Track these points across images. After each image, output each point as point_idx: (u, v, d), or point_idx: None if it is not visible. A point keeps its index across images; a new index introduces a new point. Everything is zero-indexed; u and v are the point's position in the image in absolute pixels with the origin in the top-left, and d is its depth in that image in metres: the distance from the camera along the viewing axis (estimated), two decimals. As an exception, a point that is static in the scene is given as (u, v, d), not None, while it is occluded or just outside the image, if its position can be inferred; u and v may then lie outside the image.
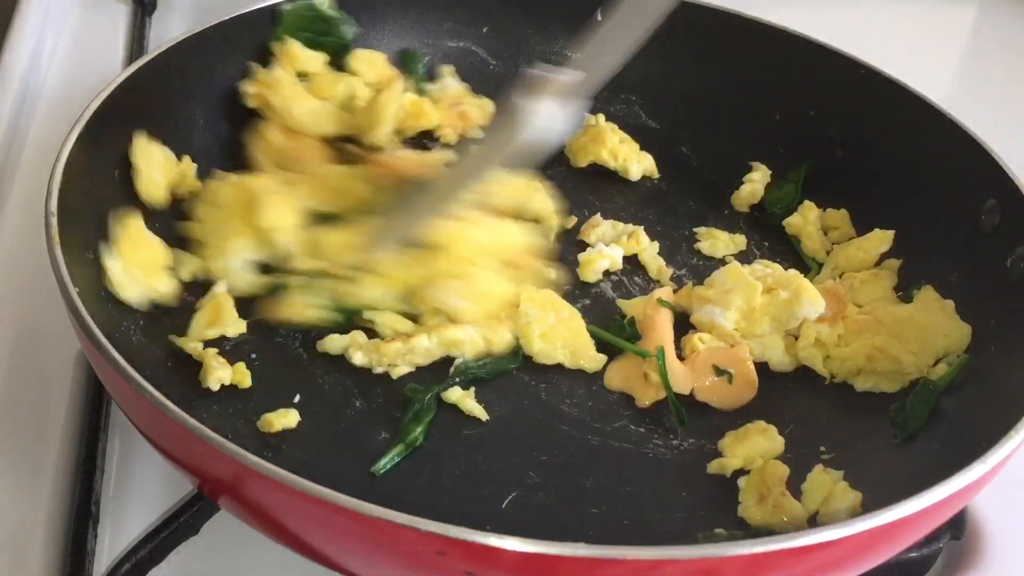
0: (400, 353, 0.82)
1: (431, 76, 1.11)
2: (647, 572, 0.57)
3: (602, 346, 0.87)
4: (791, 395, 0.85)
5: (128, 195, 0.88)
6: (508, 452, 0.78)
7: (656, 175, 1.07)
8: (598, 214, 1.01)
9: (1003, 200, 0.87)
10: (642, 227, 0.99)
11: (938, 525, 0.70)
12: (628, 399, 0.83)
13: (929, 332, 0.84)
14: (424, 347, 0.82)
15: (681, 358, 0.85)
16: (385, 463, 0.75)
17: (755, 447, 0.78)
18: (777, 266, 0.92)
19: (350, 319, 0.85)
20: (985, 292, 0.86)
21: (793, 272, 0.91)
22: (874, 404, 0.83)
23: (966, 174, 0.92)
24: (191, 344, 0.80)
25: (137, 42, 1.28)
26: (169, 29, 1.32)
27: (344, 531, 0.59)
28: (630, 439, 0.80)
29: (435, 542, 0.56)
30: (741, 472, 0.77)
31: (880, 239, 0.95)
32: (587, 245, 0.97)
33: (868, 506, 0.69)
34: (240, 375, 0.79)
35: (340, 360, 0.83)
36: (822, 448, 0.80)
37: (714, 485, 0.77)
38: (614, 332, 0.88)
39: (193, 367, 0.80)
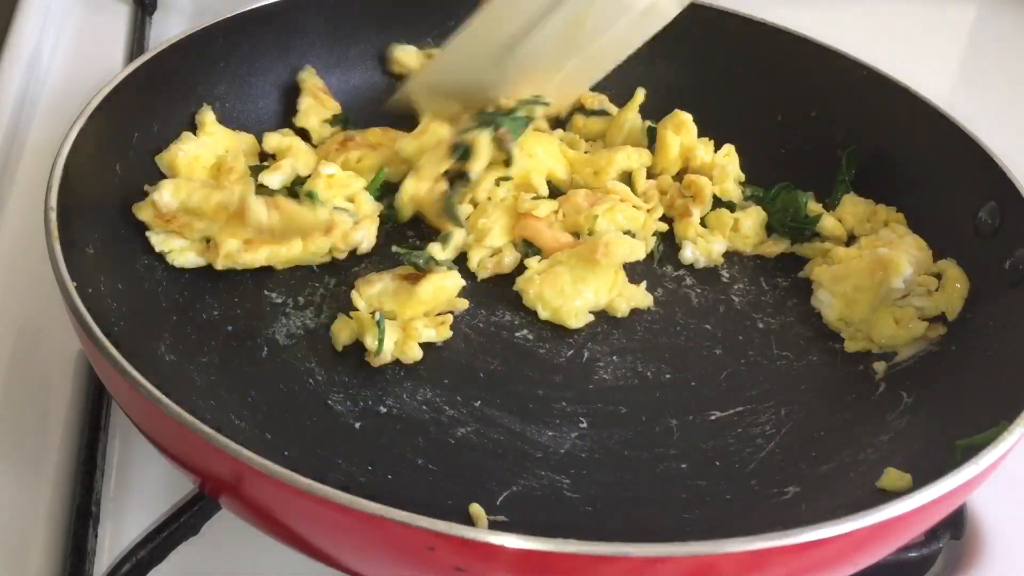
0: None
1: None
2: (642, 569, 0.57)
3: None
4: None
5: (129, 192, 0.88)
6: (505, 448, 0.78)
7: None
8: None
9: (1002, 202, 0.87)
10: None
11: (934, 523, 0.71)
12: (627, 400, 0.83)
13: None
14: None
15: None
16: None
17: None
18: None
19: None
20: (983, 294, 0.86)
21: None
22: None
23: (966, 175, 0.92)
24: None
25: (137, 42, 1.29)
26: (169, 29, 1.33)
27: (338, 526, 0.60)
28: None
29: (426, 538, 0.56)
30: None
31: None
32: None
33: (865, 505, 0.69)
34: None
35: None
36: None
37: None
38: None
39: (192, 365, 0.80)
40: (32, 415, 0.82)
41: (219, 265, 0.87)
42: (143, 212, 0.87)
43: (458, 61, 0.97)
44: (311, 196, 0.92)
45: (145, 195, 0.88)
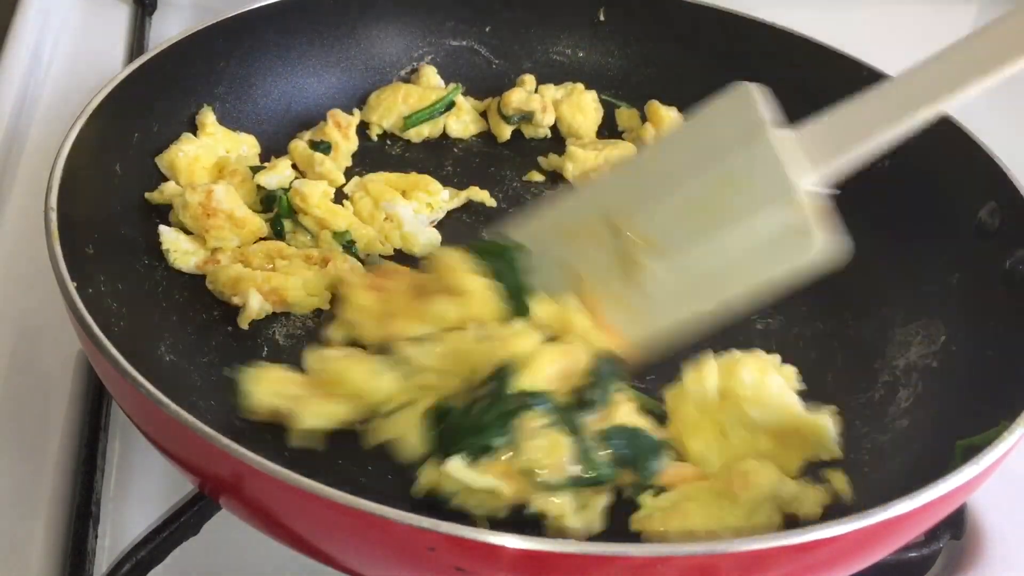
0: None
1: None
2: (642, 569, 0.57)
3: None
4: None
5: (129, 192, 0.88)
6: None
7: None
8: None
9: (1003, 202, 0.87)
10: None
11: (934, 523, 0.71)
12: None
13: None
14: None
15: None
16: None
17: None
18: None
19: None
20: (985, 294, 0.86)
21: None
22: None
23: (966, 176, 0.92)
24: None
25: (137, 42, 1.29)
26: (169, 29, 1.33)
27: (338, 526, 0.60)
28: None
29: (427, 538, 0.56)
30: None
31: None
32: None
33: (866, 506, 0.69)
34: None
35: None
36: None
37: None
38: None
39: (192, 365, 0.80)
40: (32, 415, 0.82)
41: (243, 323, 0.85)
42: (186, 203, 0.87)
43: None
44: None
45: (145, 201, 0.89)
